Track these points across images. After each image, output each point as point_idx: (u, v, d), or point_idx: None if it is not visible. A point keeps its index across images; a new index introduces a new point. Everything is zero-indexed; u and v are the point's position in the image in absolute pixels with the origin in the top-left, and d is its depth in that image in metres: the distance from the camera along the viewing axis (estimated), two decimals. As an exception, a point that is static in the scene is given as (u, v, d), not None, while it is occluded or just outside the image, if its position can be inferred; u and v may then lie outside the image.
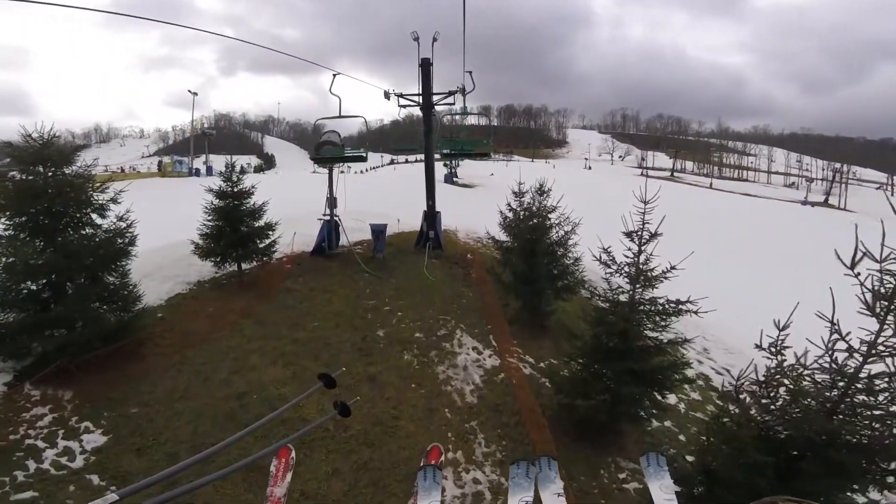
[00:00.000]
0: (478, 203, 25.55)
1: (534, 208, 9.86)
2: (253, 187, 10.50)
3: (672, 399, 7.65)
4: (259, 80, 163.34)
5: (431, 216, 13.06)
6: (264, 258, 10.61)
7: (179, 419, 6.53)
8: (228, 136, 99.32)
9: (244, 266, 10.43)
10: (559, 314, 9.92)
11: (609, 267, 6.09)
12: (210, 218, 10.07)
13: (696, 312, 5.68)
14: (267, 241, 10.53)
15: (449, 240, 14.34)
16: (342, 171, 11.40)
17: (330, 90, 11.53)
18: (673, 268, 5.72)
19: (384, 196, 22.65)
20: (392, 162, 68.86)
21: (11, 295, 6.78)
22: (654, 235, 5.72)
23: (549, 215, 9.82)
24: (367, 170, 57.65)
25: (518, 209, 10.40)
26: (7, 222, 6.88)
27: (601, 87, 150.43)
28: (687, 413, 8.01)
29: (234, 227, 10.06)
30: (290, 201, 14.79)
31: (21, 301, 6.85)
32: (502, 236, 10.93)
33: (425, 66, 12.08)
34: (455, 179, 38.65)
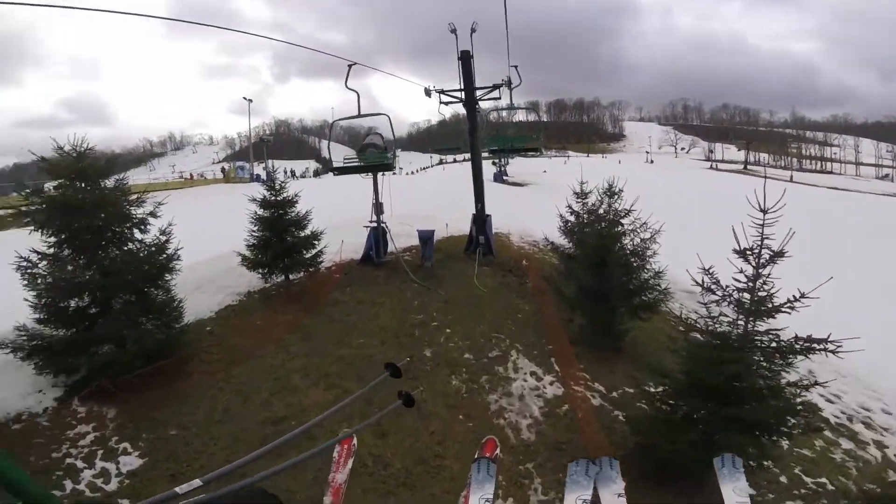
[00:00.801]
0: (531, 203, 24.26)
1: (601, 211, 8.69)
2: (296, 195, 10.16)
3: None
4: (310, 86, 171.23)
5: (481, 220, 12.18)
6: (311, 269, 10.30)
7: (216, 444, 6.15)
8: (287, 142, 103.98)
9: (292, 276, 10.16)
10: (635, 332, 8.68)
11: (712, 292, 4.87)
12: (256, 228, 9.85)
13: (834, 352, 4.34)
14: (313, 252, 10.22)
15: (501, 244, 13.39)
16: (394, 173, 10.65)
17: (345, 84, 10.23)
18: (803, 296, 4.42)
19: (433, 198, 21.91)
20: (441, 162, 68.40)
21: (56, 312, 6.70)
22: (776, 255, 4.46)
23: (622, 220, 8.58)
24: (416, 171, 57.98)
25: (581, 212, 9.28)
26: (48, 239, 6.80)
27: (656, 77, 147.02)
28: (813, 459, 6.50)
29: (279, 238, 9.80)
30: (338, 207, 14.48)
31: (68, 317, 6.78)
32: (562, 241, 9.86)
33: (465, 59, 11.23)
34: (505, 178, 37.38)
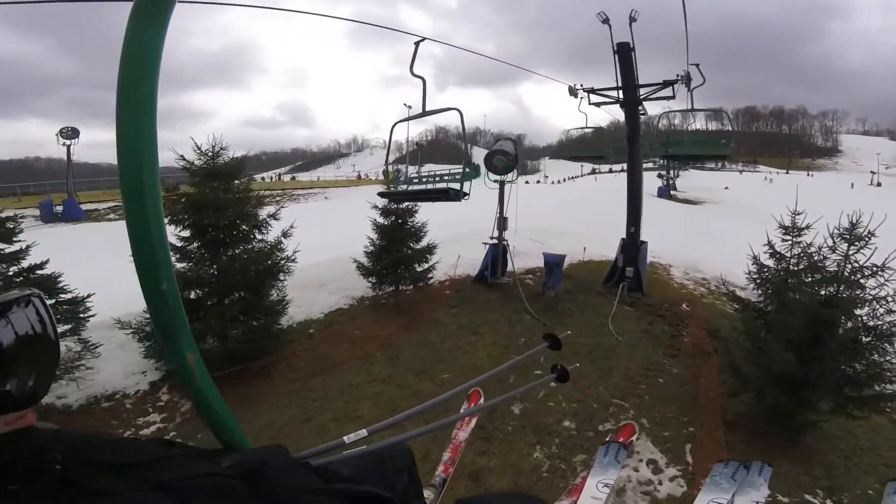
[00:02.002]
0: (706, 228, 19.93)
1: (828, 262, 5.81)
2: (416, 205, 9.53)
3: None
4: (465, 93, 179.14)
5: (633, 247, 9.90)
6: (420, 283, 9.67)
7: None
8: (445, 147, 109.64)
9: (402, 288, 9.63)
10: (831, 431, 5.75)
11: None
12: (375, 236, 9.55)
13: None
14: (425, 266, 9.59)
15: (656, 278, 10.83)
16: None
17: (411, 70, 6.06)
18: None
19: (576, 213, 19.51)
20: (594, 171, 63.30)
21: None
22: None
23: (865, 280, 5.57)
24: (563, 179, 54.69)
25: (789, 256, 6.43)
26: (182, 234, 7.20)
27: (885, 83, 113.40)
28: None
29: (395, 248, 9.36)
30: (464, 217, 13.52)
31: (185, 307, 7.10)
32: (751, 294, 7.04)
33: (623, 52, 9.20)
34: (673, 193, 32.22)
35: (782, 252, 6.42)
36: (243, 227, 7.52)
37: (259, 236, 7.70)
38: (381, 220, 9.51)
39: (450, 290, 9.85)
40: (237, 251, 7.46)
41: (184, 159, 7.32)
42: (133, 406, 6.57)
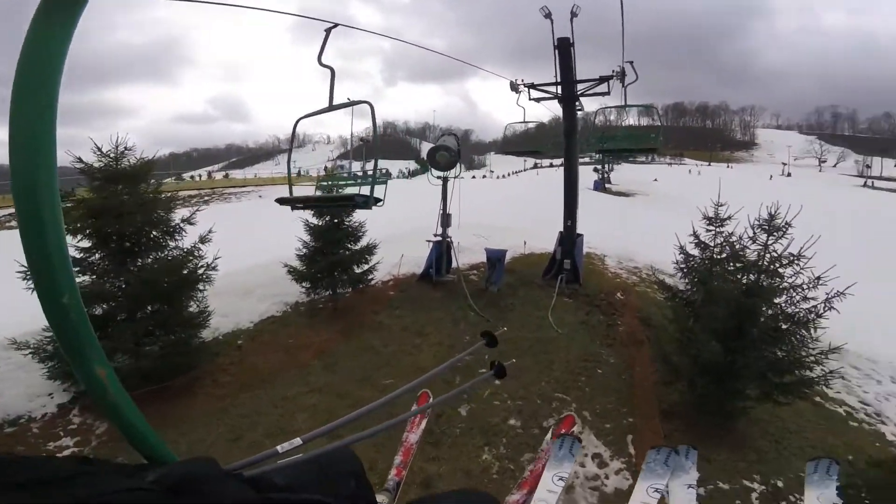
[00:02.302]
0: (637, 218, 20.89)
1: (749, 250, 6.04)
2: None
3: None
4: (415, 89, 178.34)
5: (570, 240, 10.05)
6: (360, 285, 9.23)
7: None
8: (392, 143, 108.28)
9: (340, 291, 9.13)
10: (760, 416, 6.07)
11: None
12: (309, 238, 8.99)
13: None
14: (365, 267, 9.17)
15: (592, 269, 11.10)
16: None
17: (319, 57, 4.87)
18: None
19: (519, 208, 19.76)
20: (536, 166, 64.97)
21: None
22: None
23: (784, 269, 5.76)
24: (508, 174, 55.64)
25: (713, 245, 6.70)
26: (81, 244, 6.43)
27: (798, 81, 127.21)
28: None
29: (331, 250, 8.83)
30: (412, 215, 13.22)
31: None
32: (679, 282, 7.28)
33: (563, 48, 9.29)
34: (608, 186, 33.62)
35: (706, 241, 6.69)
36: (153, 233, 6.79)
37: (173, 243, 6.97)
38: (314, 220, 8.96)
39: (394, 290, 9.55)
40: (147, 260, 6.72)
41: (81, 161, 6.46)
42: (40, 430, 5.82)
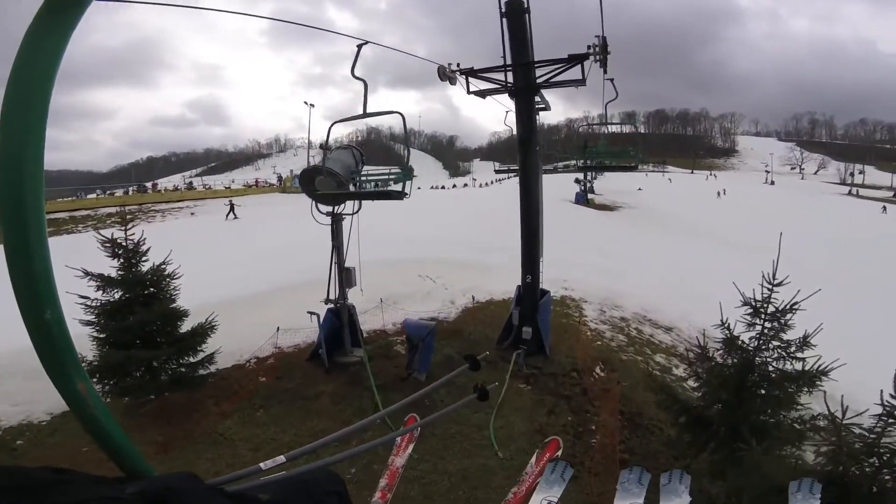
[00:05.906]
0: (623, 242, 17.93)
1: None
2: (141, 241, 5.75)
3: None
4: (396, 95, 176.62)
5: (531, 299, 7.12)
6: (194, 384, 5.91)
7: None
8: (377, 150, 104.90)
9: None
10: None
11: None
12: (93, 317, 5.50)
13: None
14: (198, 357, 5.91)
15: (565, 325, 8.41)
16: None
17: (352, 70, 5.79)
18: None
19: (495, 225, 14.71)
20: (508, 170, 62.11)
21: None
22: None
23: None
24: (490, 182, 52.53)
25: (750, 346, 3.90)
26: None
27: (774, 88, 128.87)
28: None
29: (133, 341, 5.51)
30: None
31: None
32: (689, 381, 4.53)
33: (514, 15, 6.20)
34: (591, 196, 30.99)
35: (743, 342, 3.86)
36: None
37: None
38: (97, 292, 5.47)
39: (267, 375, 6.46)
40: None
41: None
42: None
